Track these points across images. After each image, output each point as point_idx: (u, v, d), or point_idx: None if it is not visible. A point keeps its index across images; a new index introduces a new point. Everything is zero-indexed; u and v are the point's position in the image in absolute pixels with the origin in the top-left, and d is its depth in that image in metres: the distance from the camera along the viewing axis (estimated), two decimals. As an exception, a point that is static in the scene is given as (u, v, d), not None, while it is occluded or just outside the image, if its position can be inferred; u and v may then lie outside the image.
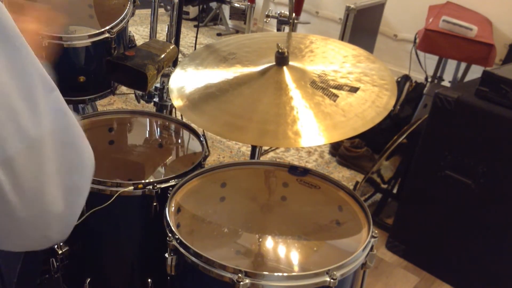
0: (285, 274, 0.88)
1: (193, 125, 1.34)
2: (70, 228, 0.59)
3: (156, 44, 1.33)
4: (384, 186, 2.10)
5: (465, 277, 1.72)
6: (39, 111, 0.51)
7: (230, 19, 4.35)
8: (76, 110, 1.59)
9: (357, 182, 2.12)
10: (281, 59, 1.15)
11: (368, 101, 1.06)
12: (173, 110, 1.52)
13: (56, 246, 1.18)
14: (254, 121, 1.03)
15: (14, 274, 0.98)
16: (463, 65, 2.74)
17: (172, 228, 0.94)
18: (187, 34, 4.10)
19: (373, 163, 2.21)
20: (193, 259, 0.89)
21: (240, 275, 0.84)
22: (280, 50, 1.13)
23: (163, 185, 1.11)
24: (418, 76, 2.86)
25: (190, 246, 0.89)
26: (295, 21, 1.54)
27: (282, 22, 1.50)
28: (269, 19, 1.52)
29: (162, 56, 1.28)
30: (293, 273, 0.98)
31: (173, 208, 1.03)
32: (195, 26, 4.20)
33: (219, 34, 4.37)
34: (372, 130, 1.00)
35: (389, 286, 1.72)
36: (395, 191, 2.07)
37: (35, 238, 0.57)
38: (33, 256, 1.09)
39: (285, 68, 1.15)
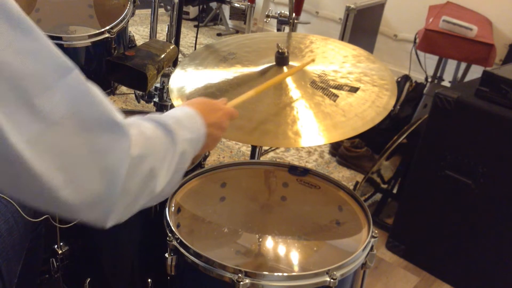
0: (285, 274, 0.88)
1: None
2: (114, 209, 0.59)
3: (156, 44, 1.33)
4: (384, 186, 2.10)
5: (465, 277, 1.72)
6: (52, 93, 0.51)
7: (230, 19, 4.33)
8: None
9: (357, 182, 2.12)
10: (281, 59, 1.14)
11: (368, 101, 1.06)
12: (173, 110, 1.52)
13: (56, 246, 1.19)
14: (254, 121, 1.03)
15: (15, 275, 0.98)
16: (463, 65, 2.74)
17: (172, 228, 0.94)
18: (187, 34, 4.10)
19: (373, 163, 2.21)
20: (193, 259, 0.89)
21: (240, 275, 0.84)
22: (280, 50, 1.13)
23: (163, 185, 1.11)
24: (418, 76, 2.86)
25: (190, 246, 0.89)
26: (295, 21, 1.54)
27: (282, 22, 1.50)
28: (269, 19, 1.52)
29: (162, 56, 1.28)
30: (293, 273, 0.98)
31: (173, 208, 1.03)
32: (195, 26, 4.20)
33: (219, 34, 4.37)
34: (372, 130, 1.00)
35: (389, 286, 1.72)
36: (395, 191, 2.07)
37: (82, 216, 0.58)
38: (33, 256, 1.09)
39: (285, 68, 1.14)
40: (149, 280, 1.19)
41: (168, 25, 1.56)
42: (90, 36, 1.33)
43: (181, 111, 0.78)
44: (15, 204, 0.98)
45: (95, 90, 0.55)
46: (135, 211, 0.64)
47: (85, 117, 0.53)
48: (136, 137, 0.59)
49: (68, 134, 0.52)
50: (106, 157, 0.55)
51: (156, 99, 1.48)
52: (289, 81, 1.11)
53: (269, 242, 1.10)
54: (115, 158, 0.56)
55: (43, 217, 1.08)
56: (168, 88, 1.28)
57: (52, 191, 0.52)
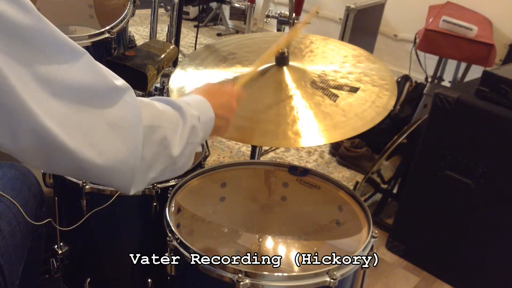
0: (285, 274, 0.88)
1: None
2: (135, 176, 0.66)
3: (156, 44, 1.33)
4: (384, 186, 2.10)
5: (465, 277, 1.72)
6: (70, 76, 0.56)
7: (230, 19, 4.35)
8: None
9: (357, 182, 2.12)
10: (281, 59, 1.14)
11: (368, 101, 1.06)
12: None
13: (56, 246, 1.19)
14: (254, 121, 1.03)
15: (17, 275, 0.98)
16: (463, 65, 2.74)
17: (172, 228, 0.94)
18: (187, 34, 4.10)
19: (373, 163, 2.21)
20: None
21: (240, 275, 0.84)
22: (280, 50, 1.13)
23: (163, 185, 1.11)
24: (418, 76, 2.86)
25: (190, 246, 0.89)
26: (295, 21, 1.54)
27: (282, 22, 1.50)
28: (269, 19, 1.52)
29: (162, 56, 1.28)
30: (293, 273, 0.98)
31: (173, 208, 1.03)
32: (195, 26, 4.20)
33: (219, 34, 4.37)
34: (372, 130, 1.00)
35: (389, 286, 1.72)
36: (395, 191, 2.07)
37: (110, 182, 0.66)
38: (34, 256, 1.09)
39: (285, 68, 1.14)
40: (149, 280, 1.19)
41: (168, 25, 1.56)
42: (90, 36, 1.33)
43: (188, 97, 0.84)
44: (18, 206, 0.98)
45: (107, 71, 0.61)
46: (152, 178, 0.70)
47: (100, 93, 0.59)
48: (146, 108, 0.66)
49: (87, 113, 0.57)
50: (122, 126, 0.61)
51: (156, 99, 1.48)
52: (289, 81, 1.11)
53: (269, 242, 1.10)
54: (129, 125, 0.62)
55: (46, 220, 1.08)
56: (168, 88, 1.28)
57: (87, 163, 0.59)
